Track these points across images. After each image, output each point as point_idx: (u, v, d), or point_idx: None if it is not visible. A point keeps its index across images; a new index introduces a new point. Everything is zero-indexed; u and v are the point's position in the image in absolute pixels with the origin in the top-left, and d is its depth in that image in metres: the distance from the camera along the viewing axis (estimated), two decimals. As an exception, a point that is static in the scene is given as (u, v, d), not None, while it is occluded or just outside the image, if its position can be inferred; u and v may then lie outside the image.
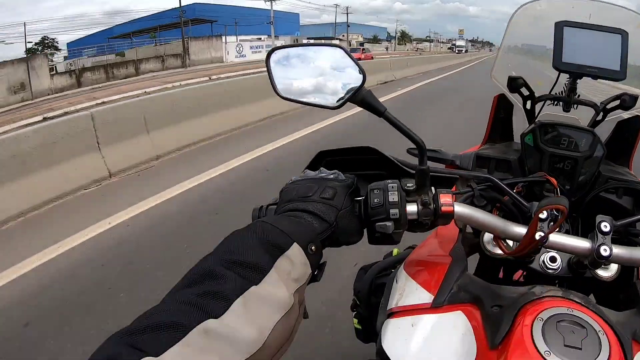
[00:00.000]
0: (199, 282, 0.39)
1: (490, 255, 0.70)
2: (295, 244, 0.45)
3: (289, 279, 0.43)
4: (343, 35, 76.58)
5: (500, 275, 0.78)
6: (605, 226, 0.56)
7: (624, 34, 0.72)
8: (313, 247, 0.48)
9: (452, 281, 0.58)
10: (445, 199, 0.56)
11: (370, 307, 0.84)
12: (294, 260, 0.44)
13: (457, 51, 71.82)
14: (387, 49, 65.90)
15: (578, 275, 0.66)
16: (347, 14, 60.68)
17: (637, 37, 0.75)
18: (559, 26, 0.72)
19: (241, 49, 36.96)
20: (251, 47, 38.36)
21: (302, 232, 0.48)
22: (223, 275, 0.39)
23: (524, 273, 0.72)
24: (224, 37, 35.14)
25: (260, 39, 42.42)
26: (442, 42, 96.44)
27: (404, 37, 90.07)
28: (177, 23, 36.59)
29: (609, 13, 0.81)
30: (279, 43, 36.83)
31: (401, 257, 0.79)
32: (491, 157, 0.79)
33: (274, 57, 0.62)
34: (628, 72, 0.72)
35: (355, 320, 0.89)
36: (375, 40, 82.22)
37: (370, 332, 0.83)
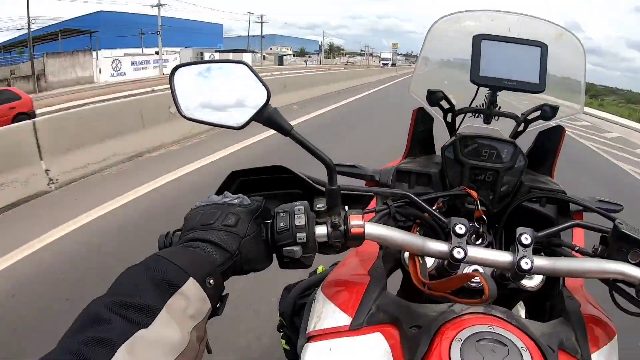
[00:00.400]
0: (86, 328, 0.36)
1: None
2: (190, 278, 0.43)
3: (184, 317, 0.40)
4: (271, 48, 73.33)
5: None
6: (526, 238, 0.55)
7: (543, 47, 0.72)
8: (211, 281, 0.46)
9: (371, 302, 0.57)
10: (355, 220, 0.54)
11: (295, 328, 0.81)
12: (189, 296, 0.42)
13: (382, 64, 66.79)
14: (306, 62, 58.95)
15: (503, 287, 0.65)
16: (262, 22, 54.40)
17: (557, 48, 0.77)
18: (477, 39, 0.72)
19: (119, 65, 29.04)
20: (133, 63, 30.58)
21: (199, 265, 0.46)
22: (109, 319, 0.36)
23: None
24: (95, 52, 27.24)
25: (157, 52, 34.20)
26: (376, 56, 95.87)
27: (332, 50, 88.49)
28: (50, 35, 29.79)
29: (529, 25, 0.81)
30: (172, 58, 32.64)
31: (324, 276, 0.78)
32: (412, 171, 0.78)
33: (177, 74, 0.59)
34: (549, 83, 0.73)
35: (283, 341, 0.87)
36: (301, 53, 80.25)
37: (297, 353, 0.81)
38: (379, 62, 74.67)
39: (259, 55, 50.76)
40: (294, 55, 75.90)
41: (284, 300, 0.85)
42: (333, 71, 21.87)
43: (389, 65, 65.30)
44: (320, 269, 0.89)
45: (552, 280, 0.67)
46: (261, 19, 54.08)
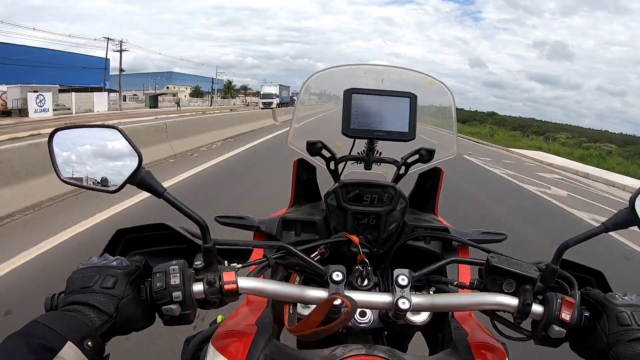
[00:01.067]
0: None
1: (302, 318, 0.67)
2: (68, 342, 0.45)
3: None
4: (167, 87, 64.93)
5: None
6: (403, 279, 0.58)
7: (412, 97, 0.74)
8: (90, 343, 0.47)
9: (257, 352, 0.57)
10: (228, 277, 0.56)
11: None
12: None
13: (262, 105, 41.24)
14: (177, 104, 42.21)
15: (392, 325, 0.67)
16: (121, 51, 39.49)
17: (429, 96, 0.82)
18: (347, 93, 0.74)
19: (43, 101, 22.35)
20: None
21: (76, 329, 0.47)
22: None
23: (343, 330, 0.72)
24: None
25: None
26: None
27: (229, 89, 77.69)
28: None
29: (400, 77, 0.85)
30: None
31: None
32: (297, 219, 0.80)
33: (56, 138, 0.60)
34: (423, 129, 0.77)
35: None
36: (197, 92, 71.89)
37: None
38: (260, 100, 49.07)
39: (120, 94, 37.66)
40: (190, 95, 68.10)
41: (184, 353, 0.83)
42: (215, 115, 16.29)
43: (274, 105, 40.11)
44: (219, 318, 0.87)
45: (441, 313, 0.69)
46: (120, 46, 39.51)
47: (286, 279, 0.77)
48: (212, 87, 68.03)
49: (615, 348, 0.53)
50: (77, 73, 37.12)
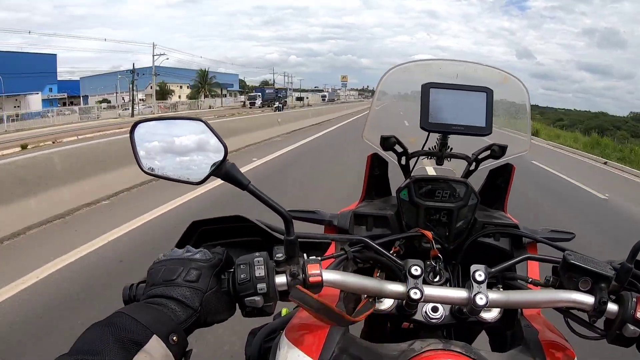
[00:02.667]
0: None
1: (374, 312, 0.68)
2: (154, 336, 0.45)
3: None
4: (151, 87, 50.48)
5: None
6: (480, 275, 0.57)
7: (488, 92, 0.74)
8: (175, 337, 0.47)
9: (333, 345, 0.58)
10: (313, 269, 0.56)
11: None
12: (153, 354, 0.44)
13: (322, 99, 70.57)
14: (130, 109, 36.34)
15: (462, 321, 0.67)
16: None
17: (503, 91, 0.80)
18: (425, 88, 0.74)
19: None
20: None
21: (163, 323, 0.47)
22: None
23: (411, 325, 0.72)
24: None
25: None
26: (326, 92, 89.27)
27: (204, 82, 63.24)
28: None
29: (474, 72, 0.85)
30: None
31: (288, 319, 0.77)
32: (368, 214, 0.80)
33: (137, 130, 0.61)
34: (497, 124, 0.75)
35: None
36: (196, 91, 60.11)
37: None
38: (321, 98, 75.84)
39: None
40: (188, 97, 56.72)
41: (249, 344, 0.83)
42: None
43: (326, 100, 70.22)
44: (284, 311, 0.89)
45: (511, 311, 0.69)
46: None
47: (359, 273, 0.78)
48: (200, 82, 56.28)
49: None
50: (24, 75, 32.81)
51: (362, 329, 0.81)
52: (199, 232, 0.71)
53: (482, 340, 0.79)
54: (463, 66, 0.85)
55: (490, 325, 0.71)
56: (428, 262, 0.69)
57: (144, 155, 0.60)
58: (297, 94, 76.60)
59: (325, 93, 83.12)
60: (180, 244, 0.71)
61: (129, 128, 0.61)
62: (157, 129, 0.62)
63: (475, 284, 0.57)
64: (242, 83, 77.69)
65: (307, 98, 73.55)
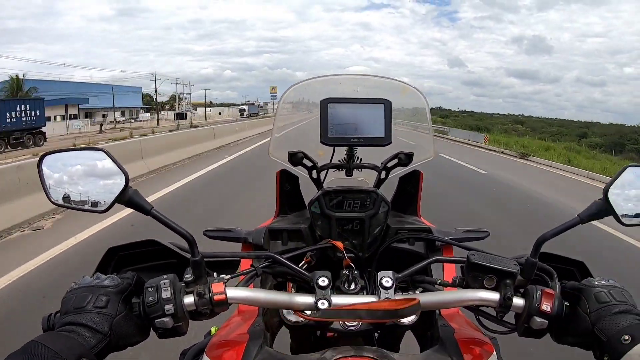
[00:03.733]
0: None
1: (294, 325, 0.71)
2: None
3: None
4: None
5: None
6: (387, 281, 0.61)
7: (386, 103, 0.76)
8: None
9: (251, 358, 0.59)
10: (217, 288, 0.58)
11: None
12: None
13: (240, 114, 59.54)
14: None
15: (381, 326, 0.70)
16: None
17: (404, 100, 0.84)
18: (324, 103, 0.76)
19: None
20: None
21: (73, 349, 0.49)
22: None
23: (335, 335, 0.73)
24: None
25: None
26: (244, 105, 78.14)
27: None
28: None
29: (375, 85, 0.88)
30: None
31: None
32: (282, 229, 0.82)
33: (45, 162, 0.62)
34: (400, 133, 0.78)
35: None
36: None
37: None
38: (239, 113, 65.32)
39: None
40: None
41: None
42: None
43: (245, 115, 61.48)
44: (213, 329, 0.89)
45: (428, 312, 0.70)
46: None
47: (277, 288, 0.79)
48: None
49: (599, 324, 0.55)
50: None
51: (290, 342, 0.83)
52: (117, 258, 0.73)
53: (412, 343, 0.81)
54: (363, 79, 0.88)
55: (411, 327, 0.73)
56: (342, 272, 0.70)
57: (51, 187, 0.62)
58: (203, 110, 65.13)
59: (244, 107, 71.09)
60: (98, 271, 0.71)
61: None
62: (63, 160, 0.63)
63: (382, 290, 0.60)
64: (147, 98, 65.83)
65: (220, 114, 66.76)
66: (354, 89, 0.85)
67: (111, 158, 0.60)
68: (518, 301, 0.60)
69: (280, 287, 0.79)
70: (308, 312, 0.63)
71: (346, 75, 0.89)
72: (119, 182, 0.59)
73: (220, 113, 70.98)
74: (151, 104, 63.80)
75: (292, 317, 0.70)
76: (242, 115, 62.50)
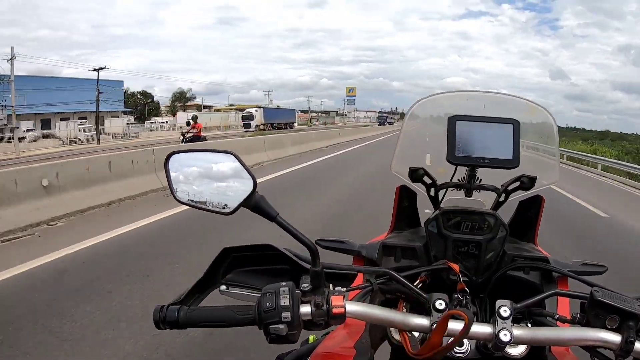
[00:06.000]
0: None
1: (398, 344, 0.69)
2: None
3: None
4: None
5: None
6: (505, 310, 0.57)
7: (515, 124, 0.74)
8: None
9: None
10: (336, 301, 0.58)
11: None
12: None
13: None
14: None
15: (488, 357, 0.66)
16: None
17: (532, 121, 0.81)
18: (452, 121, 0.74)
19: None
20: None
21: None
22: None
23: None
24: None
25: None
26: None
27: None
28: None
29: (501, 103, 0.86)
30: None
31: (314, 346, 0.78)
32: (397, 245, 0.80)
33: (172, 160, 0.63)
34: (525, 155, 0.74)
35: None
36: None
37: None
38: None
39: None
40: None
41: None
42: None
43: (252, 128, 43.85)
44: (311, 338, 0.89)
45: (538, 347, 0.67)
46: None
47: (384, 304, 0.77)
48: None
49: None
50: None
51: None
52: (230, 259, 0.74)
53: None
54: (490, 97, 0.86)
55: None
56: (455, 295, 0.68)
57: (178, 185, 0.63)
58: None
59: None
60: (210, 270, 0.74)
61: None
62: (190, 160, 0.64)
63: (500, 320, 0.57)
64: (131, 100, 53.64)
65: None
66: (479, 106, 0.82)
67: (240, 162, 0.61)
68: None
69: (388, 303, 0.78)
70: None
71: (472, 92, 0.87)
72: (246, 187, 0.60)
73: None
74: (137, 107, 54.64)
75: (399, 336, 0.69)
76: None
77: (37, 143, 31.01)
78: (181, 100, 63.15)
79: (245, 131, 41.03)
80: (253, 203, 0.59)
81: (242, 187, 0.60)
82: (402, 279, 0.65)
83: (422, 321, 0.59)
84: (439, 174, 0.83)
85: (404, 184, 0.86)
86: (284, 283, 0.58)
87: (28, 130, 34.19)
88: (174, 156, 0.64)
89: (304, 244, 0.59)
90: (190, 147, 4.90)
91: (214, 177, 0.62)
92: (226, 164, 0.62)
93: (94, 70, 33.56)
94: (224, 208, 0.61)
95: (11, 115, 27.05)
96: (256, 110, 49.10)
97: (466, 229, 0.75)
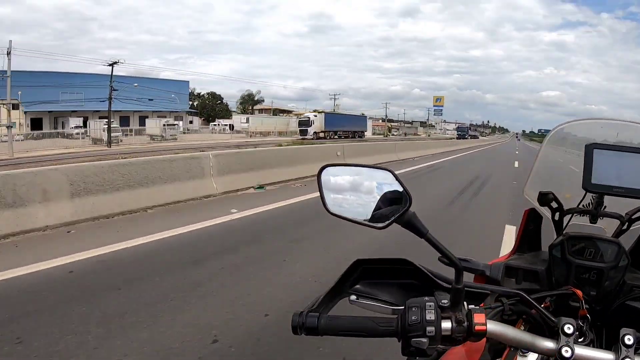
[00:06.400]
0: None
1: None
2: None
3: None
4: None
5: None
6: (629, 339, 0.57)
7: None
8: None
9: None
10: (479, 318, 0.59)
11: None
12: None
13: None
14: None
15: None
16: None
17: None
18: (589, 148, 0.75)
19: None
20: None
21: None
22: None
23: None
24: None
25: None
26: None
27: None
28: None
29: (635, 131, 0.87)
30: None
31: None
32: (520, 267, 0.82)
33: (325, 173, 0.68)
34: None
35: None
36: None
37: None
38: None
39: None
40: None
41: None
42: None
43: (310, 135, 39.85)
44: None
45: None
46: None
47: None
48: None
49: None
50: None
51: None
52: (360, 270, 0.76)
53: None
54: (623, 126, 0.86)
55: None
56: (576, 321, 0.68)
57: (330, 198, 0.67)
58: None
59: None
60: (342, 279, 0.77)
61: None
62: (344, 173, 0.68)
63: (624, 348, 0.57)
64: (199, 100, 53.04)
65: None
66: (613, 135, 0.84)
67: (397, 179, 0.63)
68: None
69: (507, 323, 0.79)
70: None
71: (608, 120, 0.88)
72: (401, 203, 0.62)
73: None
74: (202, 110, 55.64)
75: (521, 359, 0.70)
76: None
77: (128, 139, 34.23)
78: (249, 102, 65.26)
79: (302, 138, 38.62)
80: (406, 219, 0.61)
81: (395, 203, 0.63)
82: (533, 302, 0.66)
83: (549, 344, 0.60)
84: (565, 199, 0.84)
85: (533, 208, 0.88)
86: (427, 298, 0.60)
87: (76, 127, 37.02)
88: (327, 169, 0.67)
89: (452, 262, 0.61)
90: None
91: (367, 191, 0.65)
92: (383, 180, 0.64)
93: (109, 65, 33.42)
94: (376, 222, 0.63)
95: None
96: (315, 115, 45.09)
97: (589, 255, 0.75)
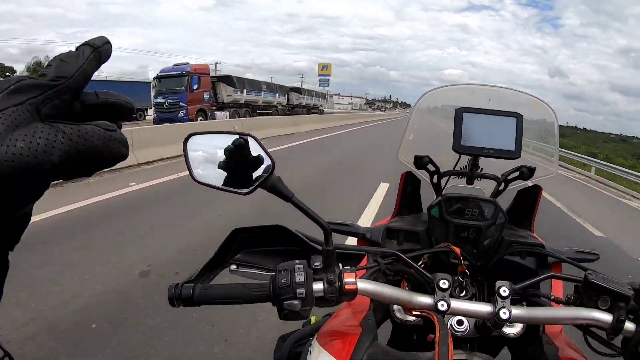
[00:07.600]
0: None
1: (400, 322, 0.74)
2: None
3: None
4: None
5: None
6: (504, 290, 0.61)
7: (518, 117, 0.78)
8: None
9: (362, 351, 0.61)
10: (348, 277, 0.60)
11: None
12: None
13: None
14: None
15: (486, 335, 0.71)
16: None
17: (534, 115, 0.85)
18: (459, 112, 0.78)
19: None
20: None
21: None
22: None
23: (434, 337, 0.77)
24: None
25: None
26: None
27: None
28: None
29: (506, 97, 0.91)
30: None
31: (318, 326, 0.82)
32: (400, 229, 0.84)
33: (190, 142, 0.64)
34: (526, 147, 0.78)
35: None
36: None
37: None
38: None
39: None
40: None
41: (279, 349, 0.87)
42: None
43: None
44: (313, 319, 0.92)
45: (533, 327, 0.72)
46: None
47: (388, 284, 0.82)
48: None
49: None
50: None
51: (388, 339, 0.84)
52: (239, 239, 0.75)
53: (505, 357, 0.80)
54: (495, 91, 0.90)
55: (512, 341, 0.74)
56: (455, 277, 0.72)
57: (195, 166, 0.64)
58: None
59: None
60: (221, 250, 0.76)
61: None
62: (208, 141, 0.65)
63: (499, 299, 0.61)
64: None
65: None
66: (485, 100, 0.87)
67: (259, 144, 0.62)
68: (629, 325, 0.60)
69: (391, 284, 0.83)
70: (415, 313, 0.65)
71: (478, 86, 0.92)
72: (264, 168, 0.61)
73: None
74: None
75: (401, 315, 0.73)
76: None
77: None
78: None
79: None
80: (270, 184, 0.61)
81: (260, 169, 0.62)
82: (408, 260, 0.68)
83: (426, 299, 0.62)
84: (441, 163, 0.87)
85: (409, 171, 0.90)
86: (297, 261, 0.61)
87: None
88: (192, 138, 0.65)
89: (319, 225, 0.62)
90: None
91: (233, 159, 0.63)
92: (245, 145, 0.63)
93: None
94: (241, 188, 0.62)
95: None
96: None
97: (467, 215, 0.79)
